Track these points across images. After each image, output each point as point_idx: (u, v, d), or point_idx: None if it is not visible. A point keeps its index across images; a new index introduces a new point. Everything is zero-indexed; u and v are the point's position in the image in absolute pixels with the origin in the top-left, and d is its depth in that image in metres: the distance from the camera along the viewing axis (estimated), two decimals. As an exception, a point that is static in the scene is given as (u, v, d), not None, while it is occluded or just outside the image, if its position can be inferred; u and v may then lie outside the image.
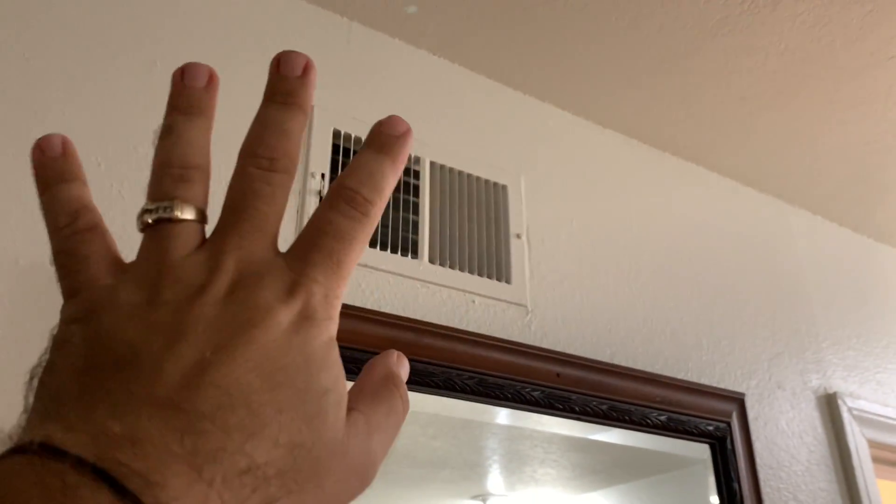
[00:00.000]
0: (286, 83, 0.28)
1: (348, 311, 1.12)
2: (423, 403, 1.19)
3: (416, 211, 1.33)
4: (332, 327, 0.25)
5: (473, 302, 1.32)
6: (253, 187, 0.26)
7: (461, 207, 1.39)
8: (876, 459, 1.83)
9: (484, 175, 1.45)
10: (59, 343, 0.23)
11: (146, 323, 0.23)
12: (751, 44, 1.49)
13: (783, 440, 1.63)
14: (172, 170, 0.26)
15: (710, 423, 1.45)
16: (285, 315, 0.24)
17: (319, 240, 0.25)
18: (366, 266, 1.22)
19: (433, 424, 1.33)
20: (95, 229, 0.26)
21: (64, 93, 1.10)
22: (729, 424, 1.48)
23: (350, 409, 0.26)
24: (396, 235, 1.28)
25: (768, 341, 1.74)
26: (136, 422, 0.20)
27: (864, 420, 1.79)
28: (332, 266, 0.25)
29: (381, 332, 1.13)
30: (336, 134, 1.30)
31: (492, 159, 1.49)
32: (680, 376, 1.52)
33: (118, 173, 1.08)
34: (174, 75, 0.28)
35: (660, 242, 1.68)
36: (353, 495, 0.25)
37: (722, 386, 1.57)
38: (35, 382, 0.23)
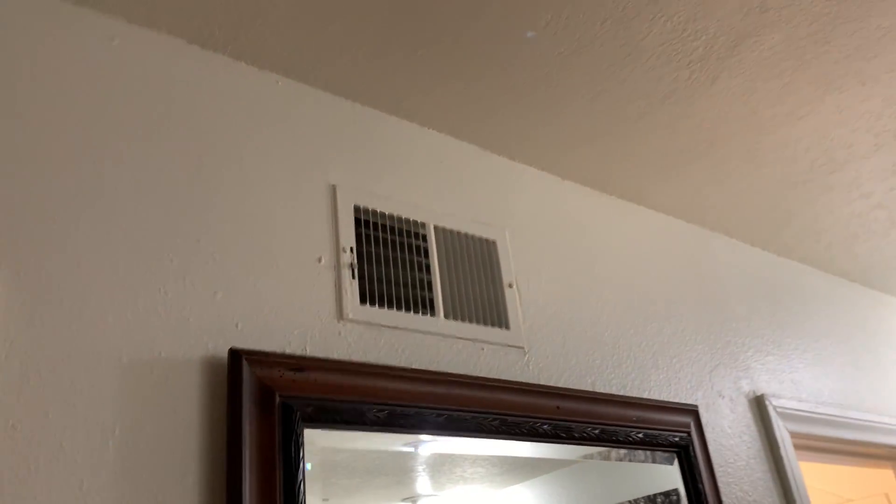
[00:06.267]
0: None
1: (395, 373, 1.29)
2: (451, 445, 1.37)
3: (428, 271, 1.51)
4: None
5: (482, 349, 1.51)
6: None
7: (463, 264, 1.58)
8: (797, 447, 2.16)
9: (477, 233, 1.64)
10: None
11: None
12: (691, 111, 1.76)
13: (727, 441, 1.91)
14: None
15: (676, 434, 1.70)
16: None
17: None
18: (399, 328, 1.39)
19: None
20: None
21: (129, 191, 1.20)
22: (689, 434, 1.74)
23: None
24: (417, 295, 1.45)
25: (707, 356, 2.03)
26: None
27: (786, 416, 2.11)
28: None
29: (422, 389, 1.31)
30: (357, 209, 1.46)
31: (481, 218, 1.68)
32: (644, 395, 1.77)
33: (185, 264, 1.20)
34: None
35: (615, 278, 1.92)
36: None
37: (677, 399, 1.84)
38: None
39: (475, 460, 1.58)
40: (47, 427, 0.98)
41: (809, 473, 2.17)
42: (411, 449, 1.33)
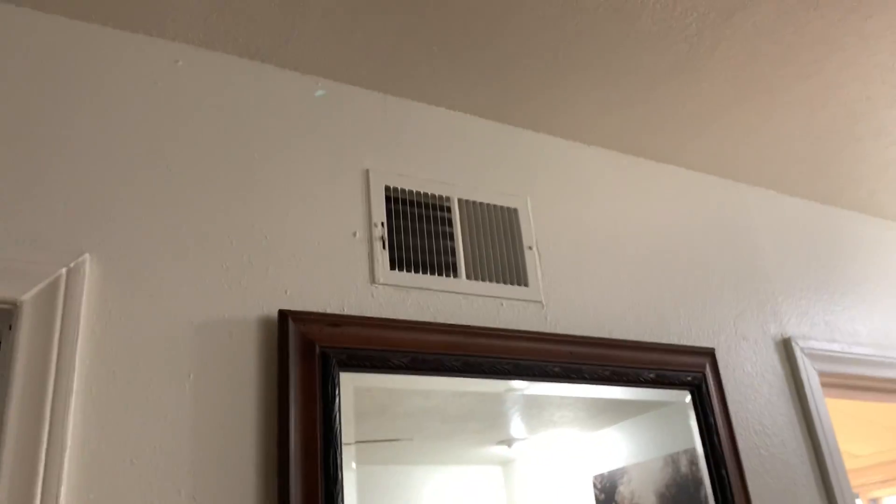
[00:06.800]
0: None
1: (417, 326, 1.55)
2: (468, 385, 1.62)
3: (451, 238, 1.75)
4: None
5: (502, 304, 1.75)
6: None
7: (485, 230, 1.81)
8: (826, 385, 2.29)
9: (499, 202, 1.86)
10: None
11: None
12: (698, 78, 1.90)
13: (748, 380, 2.07)
14: None
15: (689, 374, 1.89)
16: None
17: None
18: (425, 288, 1.64)
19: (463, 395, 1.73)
20: None
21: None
22: (703, 374, 1.92)
23: None
24: (441, 260, 1.70)
25: (733, 303, 2.18)
26: None
27: (815, 356, 2.24)
28: None
29: (441, 338, 1.56)
30: (387, 188, 1.71)
31: (503, 188, 1.90)
32: (664, 341, 1.96)
33: (243, 244, 1.49)
34: None
35: (639, 235, 2.10)
36: None
37: (698, 344, 2.01)
38: None
39: (561, 405, 1.71)
40: (139, 374, 1.30)
41: (836, 406, 2.29)
42: (490, 388, 1.58)
